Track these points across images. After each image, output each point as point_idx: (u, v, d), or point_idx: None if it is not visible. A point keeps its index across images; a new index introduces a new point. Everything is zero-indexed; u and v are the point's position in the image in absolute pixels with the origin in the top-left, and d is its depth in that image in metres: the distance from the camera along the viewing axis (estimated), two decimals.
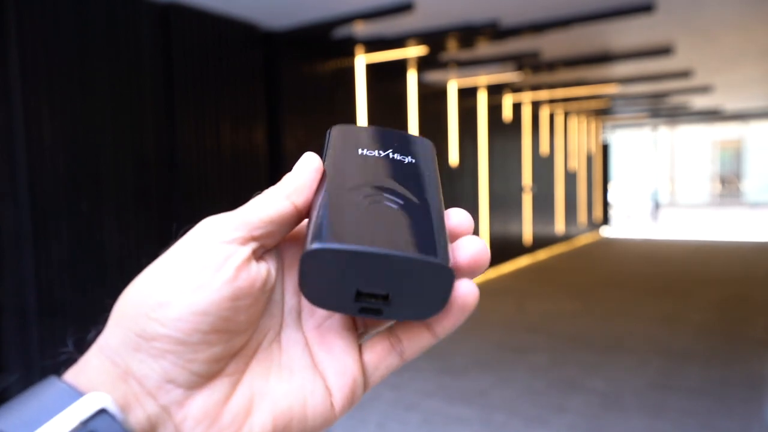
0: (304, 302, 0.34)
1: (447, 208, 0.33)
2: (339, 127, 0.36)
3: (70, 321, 2.95)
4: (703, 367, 3.58)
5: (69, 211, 2.95)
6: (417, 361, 3.74)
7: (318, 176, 0.33)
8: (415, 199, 0.32)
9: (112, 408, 0.26)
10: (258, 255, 0.31)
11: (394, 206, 0.31)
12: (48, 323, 2.87)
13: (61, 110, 2.91)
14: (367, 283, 0.29)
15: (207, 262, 0.29)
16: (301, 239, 0.34)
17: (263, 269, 0.31)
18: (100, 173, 3.09)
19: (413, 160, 0.35)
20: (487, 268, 0.32)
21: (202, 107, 3.60)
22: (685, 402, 3.05)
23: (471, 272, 0.31)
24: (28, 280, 2.82)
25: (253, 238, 0.30)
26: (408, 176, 0.33)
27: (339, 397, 0.32)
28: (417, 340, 0.32)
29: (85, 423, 0.25)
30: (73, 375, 0.28)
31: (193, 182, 3.56)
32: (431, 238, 0.29)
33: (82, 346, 0.30)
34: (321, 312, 0.33)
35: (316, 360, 0.33)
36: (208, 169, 3.65)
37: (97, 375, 0.28)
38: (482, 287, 6.08)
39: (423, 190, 0.33)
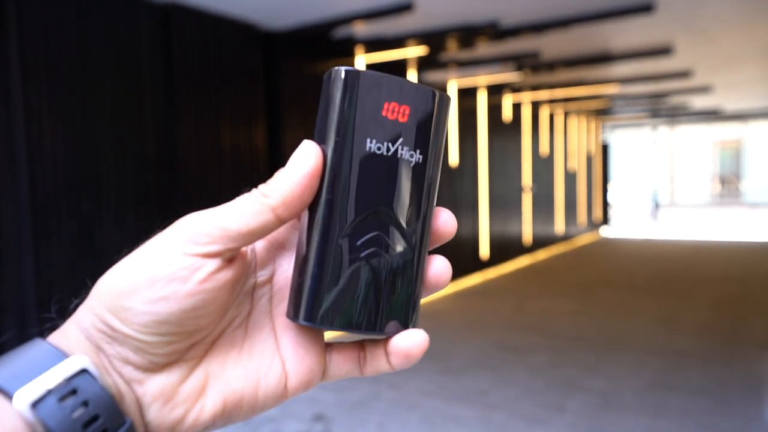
0: (276, 289, 0.35)
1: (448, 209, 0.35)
2: (343, 78, 0.32)
3: None
4: (702, 367, 3.58)
5: (69, 211, 2.95)
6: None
7: (314, 183, 0.32)
8: (405, 245, 0.34)
9: (92, 369, 0.29)
10: (229, 258, 0.32)
11: (381, 265, 0.33)
12: (48, 323, 2.87)
13: (61, 110, 2.91)
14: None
15: (173, 274, 0.30)
16: (283, 234, 0.36)
17: (231, 273, 0.32)
18: (100, 173, 3.09)
19: (420, 158, 0.34)
20: (447, 285, 0.37)
21: (202, 107, 3.60)
22: (684, 402, 3.05)
23: (432, 290, 0.36)
24: (28, 280, 2.82)
25: (228, 250, 0.31)
26: (411, 191, 0.34)
27: (294, 382, 0.35)
28: (377, 364, 0.35)
29: (69, 380, 0.29)
30: (56, 339, 0.31)
31: (193, 182, 3.56)
32: (404, 313, 0.34)
33: (65, 313, 0.33)
34: None
35: (279, 344, 0.35)
36: (208, 169, 3.65)
37: (75, 343, 0.31)
38: (482, 287, 6.09)
39: (420, 213, 0.35)
